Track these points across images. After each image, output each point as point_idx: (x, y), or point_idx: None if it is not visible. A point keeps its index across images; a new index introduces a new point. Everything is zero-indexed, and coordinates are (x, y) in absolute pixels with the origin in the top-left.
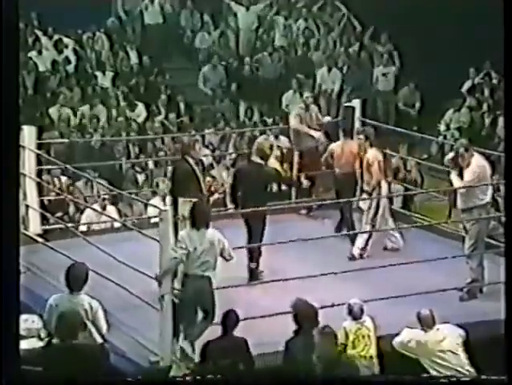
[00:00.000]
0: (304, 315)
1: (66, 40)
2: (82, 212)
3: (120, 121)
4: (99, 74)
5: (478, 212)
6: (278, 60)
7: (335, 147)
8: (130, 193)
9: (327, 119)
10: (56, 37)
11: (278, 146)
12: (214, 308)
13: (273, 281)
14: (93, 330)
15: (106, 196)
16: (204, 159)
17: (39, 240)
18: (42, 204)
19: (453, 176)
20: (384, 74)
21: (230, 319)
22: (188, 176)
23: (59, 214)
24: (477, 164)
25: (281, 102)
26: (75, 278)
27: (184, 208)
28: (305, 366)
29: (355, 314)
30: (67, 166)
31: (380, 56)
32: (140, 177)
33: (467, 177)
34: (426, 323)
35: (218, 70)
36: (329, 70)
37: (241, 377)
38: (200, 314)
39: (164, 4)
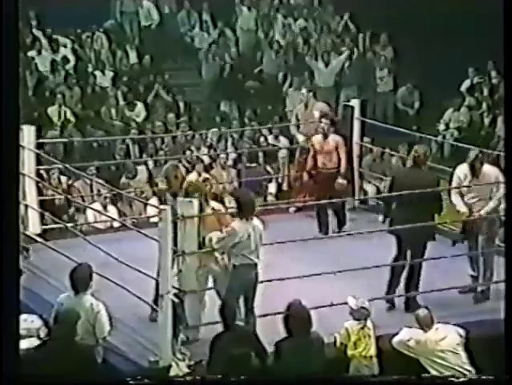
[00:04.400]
0: (297, 318)
1: (65, 40)
2: (81, 211)
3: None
4: (98, 73)
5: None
6: (279, 59)
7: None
8: (128, 192)
9: (320, 108)
10: (55, 36)
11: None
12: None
13: (272, 280)
14: (92, 330)
15: (108, 195)
16: (205, 158)
17: (39, 240)
18: (41, 204)
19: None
20: (380, 78)
21: (229, 311)
22: (429, 186)
23: (59, 214)
24: (487, 178)
25: (283, 102)
26: (79, 280)
27: (185, 208)
28: (295, 368)
29: (360, 315)
30: (67, 165)
31: (378, 58)
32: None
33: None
34: (425, 323)
35: (218, 69)
36: (326, 66)
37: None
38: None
39: (163, 4)
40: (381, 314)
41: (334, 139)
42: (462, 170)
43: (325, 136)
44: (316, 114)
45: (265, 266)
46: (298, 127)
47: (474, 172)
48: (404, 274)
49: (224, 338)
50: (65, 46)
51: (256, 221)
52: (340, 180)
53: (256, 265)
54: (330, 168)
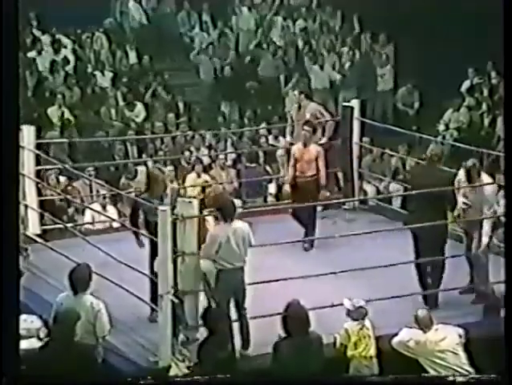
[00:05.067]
0: (295, 318)
1: (65, 40)
2: (80, 211)
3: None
4: (98, 74)
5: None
6: (279, 59)
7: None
8: (128, 192)
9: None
10: (55, 37)
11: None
12: (245, 298)
13: (272, 281)
14: (92, 329)
15: (107, 195)
16: (204, 159)
17: (39, 240)
18: (41, 205)
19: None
20: (381, 76)
21: (211, 315)
22: (444, 184)
23: (58, 214)
24: (483, 189)
25: (283, 102)
26: (79, 280)
27: (184, 207)
28: (294, 368)
29: (358, 315)
30: (66, 166)
31: (378, 57)
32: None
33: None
34: (424, 324)
35: (218, 70)
36: (321, 68)
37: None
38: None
39: (164, 4)
40: (381, 314)
41: (315, 148)
42: (460, 174)
43: (305, 144)
44: (308, 115)
45: (264, 267)
46: (293, 127)
47: (470, 179)
48: (426, 272)
49: (208, 342)
50: (65, 47)
51: (238, 224)
52: (323, 192)
53: (241, 268)
54: (308, 176)
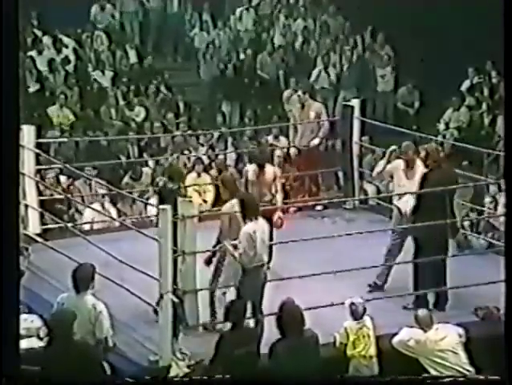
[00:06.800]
0: (290, 317)
1: (65, 39)
2: (81, 211)
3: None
4: (98, 73)
5: None
6: (279, 59)
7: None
8: (130, 192)
9: (316, 108)
10: (56, 36)
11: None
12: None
13: (271, 280)
14: (92, 330)
15: (103, 192)
16: (204, 158)
17: (39, 239)
18: (41, 204)
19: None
20: (382, 76)
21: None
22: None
23: (59, 214)
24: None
25: (281, 101)
26: (81, 279)
27: (185, 208)
28: (290, 368)
29: (356, 314)
30: (66, 165)
31: (379, 57)
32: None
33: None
34: (424, 323)
35: (218, 70)
36: (325, 68)
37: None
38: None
39: (164, 4)
40: (381, 314)
41: (272, 169)
42: (397, 162)
43: (260, 165)
44: (312, 114)
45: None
46: (295, 127)
47: (408, 164)
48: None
49: (229, 337)
50: (66, 47)
51: (261, 221)
52: (279, 214)
53: (263, 265)
54: (265, 202)
